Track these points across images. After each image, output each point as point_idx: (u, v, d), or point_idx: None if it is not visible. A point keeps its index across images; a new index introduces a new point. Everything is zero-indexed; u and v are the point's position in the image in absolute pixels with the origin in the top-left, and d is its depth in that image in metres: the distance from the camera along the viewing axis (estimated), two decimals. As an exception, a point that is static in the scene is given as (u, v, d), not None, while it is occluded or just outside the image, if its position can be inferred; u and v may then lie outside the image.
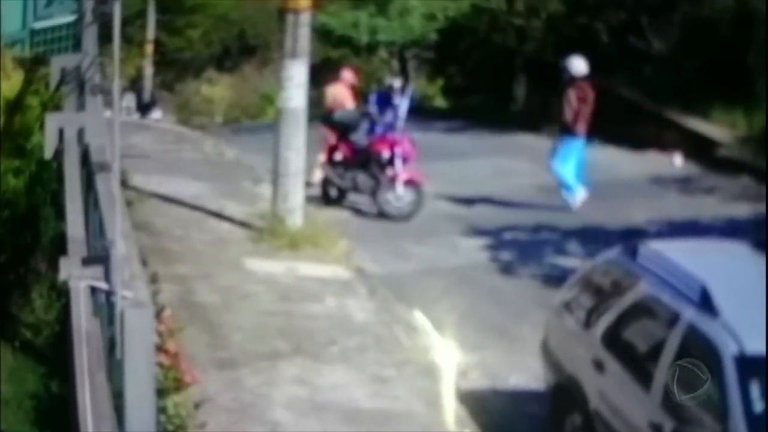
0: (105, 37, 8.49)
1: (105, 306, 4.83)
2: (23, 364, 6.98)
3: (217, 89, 22.51)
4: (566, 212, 11.07)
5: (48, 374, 6.78)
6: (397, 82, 12.26)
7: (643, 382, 5.59)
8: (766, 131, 12.51)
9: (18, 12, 10.39)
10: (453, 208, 11.47)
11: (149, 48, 22.31)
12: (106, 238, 4.85)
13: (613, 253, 6.51)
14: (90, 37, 9.11)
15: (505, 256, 10.00)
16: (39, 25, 10.64)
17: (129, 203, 9.15)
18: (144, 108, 21.29)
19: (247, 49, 23.86)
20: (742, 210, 11.10)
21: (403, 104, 11.58)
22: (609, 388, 5.92)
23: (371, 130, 11.71)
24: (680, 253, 6.11)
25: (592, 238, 9.96)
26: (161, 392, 5.37)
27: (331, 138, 11.67)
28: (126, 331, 4.04)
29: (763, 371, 5.12)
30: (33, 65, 9.35)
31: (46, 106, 8.55)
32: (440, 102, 21.19)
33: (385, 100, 11.73)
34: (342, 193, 11.61)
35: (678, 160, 13.30)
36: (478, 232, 10.63)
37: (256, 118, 20.49)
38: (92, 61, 8.22)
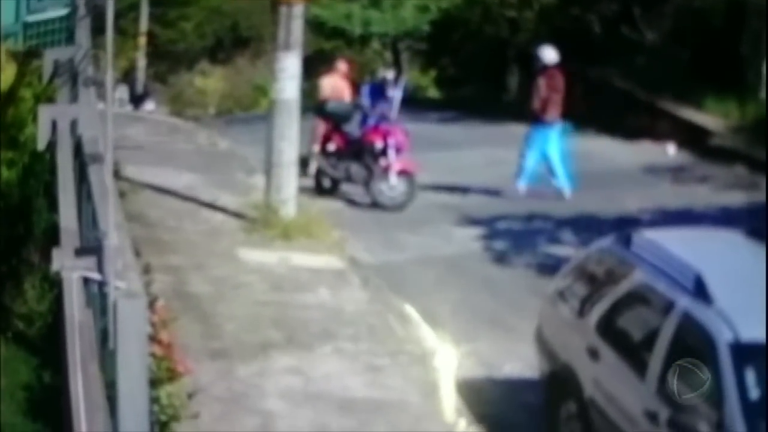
0: (98, 30, 8.49)
1: (98, 297, 4.82)
2: (16, 355, 6.96)
3: (210, 81, 22.47)
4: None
5: (41, 365, 6.76)
6: (390, 74, 12.28)
7: (638, 370, 5.60)
8: (766, 122, 12.53)
9: (11, 5, 10.37)
10: (446, 198, 11.47)
11: (142, 40, 22.25)
12: (99, 229, 4.85)
13: (607, 241, 6.51)
14: (83, 29, 9.10)
15: (499, 245, 10.01)
16: (32, 18, 10.63)
17: (122, 194, 9.14)
18: (137, 100, 21.24)
19: (241, 41, 23.80)
20: (736, 198, 11.12)
21: (396, 95, 11.58)
22: (604, 376, 5.93)
23: (364, 121, 11.71)
24: (674, 241, 6.12)
25: (586, 227, 9.98)
26: (154, 382, 5.36)
27: (324, 128, 11.66)
28: (119, 322, 4.04)
29: (757, 358, 5.12)
30: (26, 58, 9.35)
31: (39, 99, 8.54)
32: (433, 93, 21.20)
33: (378, 92, 11.75)
34: (335, 183, 11.61)
35: (671, 149, 13.33)
36: (471, 221, 10.64)
37: (249, 109, 20.46)
38: (85, 54, 8.21)
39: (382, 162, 11.21)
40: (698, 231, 7.64)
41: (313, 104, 11.79)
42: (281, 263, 9.12)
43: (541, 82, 11.41)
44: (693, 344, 5.34)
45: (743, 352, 5.14)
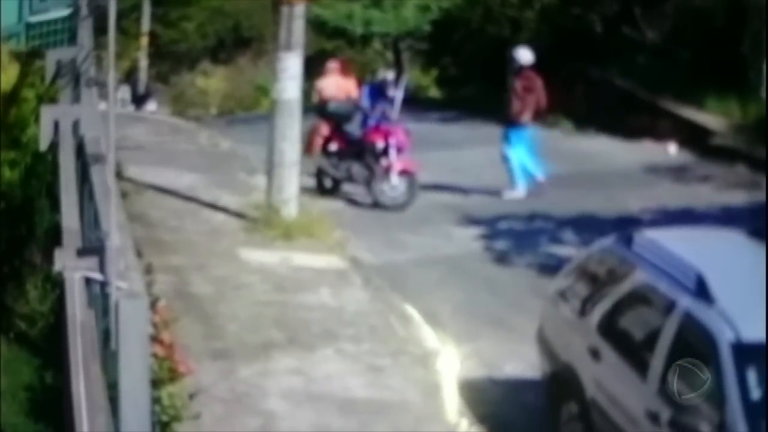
0: (100, 30, 8.51)
1: (100, 297, 4.83)
2: (18, 355, 6.98)
3: (211, 81, 22.47)
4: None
5: (43, 365, 6.78)
6: (390, 75, 12.29)
7: (640, 370, 5.60)
8: (766, 121, 12.53)
9: (14, 6, 10.39)
10: (447, 198, 11.48)
11: (144, 40, 22.26)
12: (101, 229, 4.86)
13: (608, 241, 6.51)
14: (85, 30, 9.12)
15: (500, 245, 10.01)
16: (35, 18, 10.64)
17: (124, 195, 9.15)
18: (139, 100, 21.25)
19: (242, 41, 23.81)
20: (737, 198, 11.12)
21: (397, 95, 11.59)
22: (605, 376, 5.93)
23: (365, 121, 11.72)
24: (675, 241, 6.11)
25: (587, 226, 9.97)
26: (156, 383, 5.37)
27: (325, 129, 11.67)
28: (120, 322, 4.04)
29: (759, 358, 5.12)
30: (29, 58, 9.38)
31: (41, 99, 8.56)
32: (434, 92, 21.18)
33: (378, 93, 11.75)
34: (336, 183, 11.61)
35: (672, 148, 13.33)
36: (472, 221, 10.64)
37: (250, 109, 20.46)
38: (87, 54, 8.23)
39: (384, 162, 11.22)
40: (699, 231, 7.64)
41: (312, 105, 11.79)
42: (283, 263, 9.13)
43: (518, 84, 11.47)
44: (694, 344, 5.34)
45: (745, 352, 5.14)
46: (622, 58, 15.34)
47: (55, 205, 7.17)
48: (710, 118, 13.61)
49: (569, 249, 9.24)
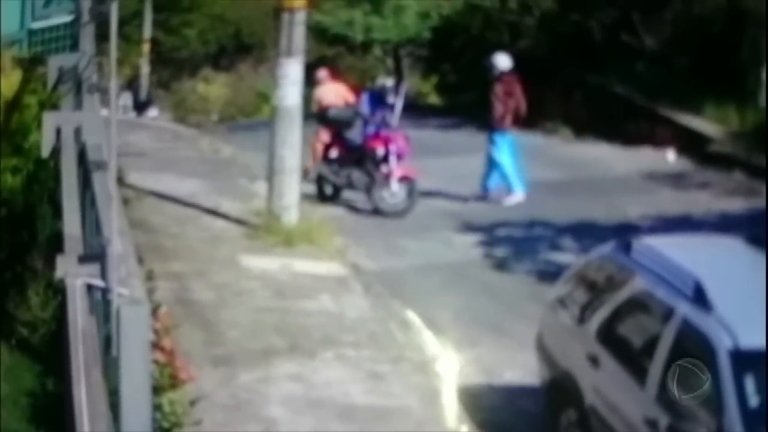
0: (102, 37, 8.54)
1: (101, 303, 4.85)
2: (19, 361, 7.00)
3: (213, 87, 22.52)
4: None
5: (44, 372, 6.80)
6: (389, 82, 12.35)
7: (638, 377, 5.61)
8: (765, 128, 12.56)
9: (16, 12, 10.42)
10: (447, 205, 11.51)
11: (146, 47, 22.31)
12: (102, 235, 4.88)
13: (607, 248, 6.53)
14: (87, 36, 9.14)
15: (500, 252, 10.04)
16: (37, 25, 10.68)
17: (125, 201, 9.18)
18: (140, 106, 21.30)
19: (243, 48, 23.87)
20: (735, 205, 11.15)
21: (398, 102, 11.63)
22: (604, 383, 5.95)
23: (365, 128, 11.76)
24: (674, 248, 6.14)
25: (586, 233, 10.00)
26: (157, 389, 5.38)
27: (325, 136, 11.71)
28: (122, 329, 4.06)
29: (757, 365, 5.14)
30: (31, 65, 9.40)
31: (43, 105, 8.58)
32: (434, 99, 21.21)
33: (377, 100, 11.80)
34: (337, 190, 11.65)
35: (671, 155, 13.36)
36: (472, 228, 10.67)
37: (251, 116, 20.51)
38: (89, 61, 8.26)
39: (384, 169, 11.25)
40: (698, 238, 7.67)
41: (312, 113, 11.83)
42: (283, 270, 9.15)
43: (499, 89, 11.53)
44: (693, 351, 5.36)
45: (743, 359, 5.15)
46: (621, 65, 15.38)
47: (56, 211, 7.19)
48: (709, 125, 13.64)
49: (568, 256, 9.26)
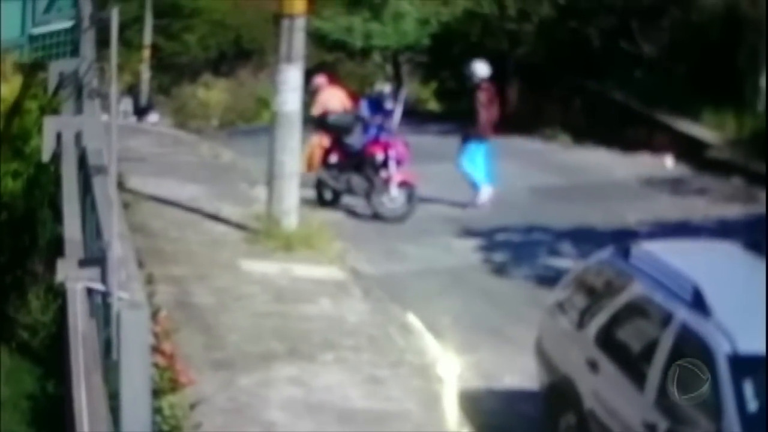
0: (102, 42, 8.56)
1: (101, 307, 4.86)
2: (20, 365, 7.01)
3: (213, 93, 22.56)
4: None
5: (44, 375, 6.81)
6: (387, 88, 12.42)
7: (637, 381, 5.62)
8: (766, 134, 12.60)
9: (17, 18, 10.43)
10: (446, 210, 11.53)
11: (146, 52, 22.37)
12: (102, 240, 4.89)
13: (605, 253, 6.55)
14: (88, 42, 9.16)
15: (499, 257, 10.06)
16: (37, 30, 10.69)
17: (126, 205, 9.19)
18: (141, 112, 21.35)
19: (243, 54, 23.93)
20: (733, 211, 11.18)
21: (397, 108, 11.67)
22: (603, 388, 5.96)
23: (365, 133, 11.79)
24: (672, 253, 6.15)
25: (585, 239, 10.02)
26: (157, 393, 5.39)
27: (325, 141, 11.74)
28: (122, 332, 4.06)
29: (756, 370, 5.16)
30: (32, 70, 9.42)
31: (44, 110, 8.61)
32: (433, 105, 21.27)
33: (375, 106, 11.84)
34: (336, 195, 11.68)
35: (669, 161, 13.40)
36: (471, 233, 10.69)
37: (251, 121, 20.55)
38: (90, 66, 8.28)
39: (383, 174, 11.28)
40: (696, 243, 7.68)
41: (313, 118, 11.86)
42: (283, 274, 9.17)
43: (482, 97, 11.62)
44: (691, 356, 5.37)
45: (741, 364, 5.16)
46: (620, 71, 15.43)
47: (57, 215, 7.20)
48: (707, 132, 13.68)
49: (567, 261, 9.28)
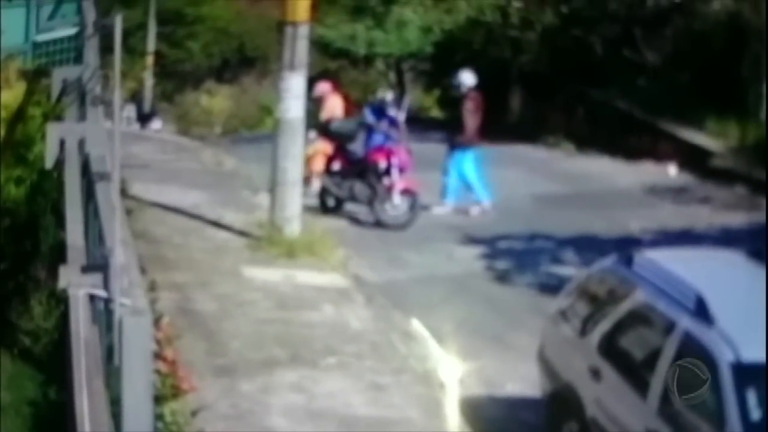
0: (106, 49, 8.58)
1: (103, 313, 4.86)
2: (22, 371, 7.01)
3: (216, 100, 22.61)
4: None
5: (46, 381, 6.81)
6: (389, 95, 12.47)
7: (640, 389, 5.61)
8: (766, 143, 12.61)
9: (21, 25, 10.48)
10: (449, 217, 11.54)
11: (150, 59, 22.43)
12: (105, 246, 4.89)
13: (608, 261, 6.55)
14: (91, 49, 9.19)
15: (501, 264, 10.06)
16: (41, 37, 10.74)
17: (128, 212, 9.19)
18: (144, 118, 21.39)
19: (247, 61, 23.99)
20: (736, 219, 11.18)
21: (400, 116, 11.69)
22: (605, 395, 5.95)
23: (368, 141, 11.82)
24: (675, 261, 6.15)
25: (588, 246, 10.02)
26: (159, 399, 5.39)
27: (328, 148, 11.76)
28: (124, 339, 4.06)
29: (758, 379, 5.15)
30: (35, 77, 9.45)
31: (47, 117, 8.62)
32: (436, 113, 21.30)
33: (377, 113, 11.89)
34: (339, 202, 11.69)
35: (672, 170, 13.42)
36: (473, 240, 10.69)
37: (254, 128, 20.59)
38: (93, 73, 8.29)
39: (386, 181, 11.29)
40: (699, 251, 7.68)
41: (316, 124, 11.88)
42: (286, 281, 9.17)
43: (470, 105, 11.69)
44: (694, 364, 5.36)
45: (744, 373, 5.15)
46: (623, 80, 15.45)
47: (60, 222, 7.21)
48: (710, 140, 13.70)
49: (569, 269, 9.27)
